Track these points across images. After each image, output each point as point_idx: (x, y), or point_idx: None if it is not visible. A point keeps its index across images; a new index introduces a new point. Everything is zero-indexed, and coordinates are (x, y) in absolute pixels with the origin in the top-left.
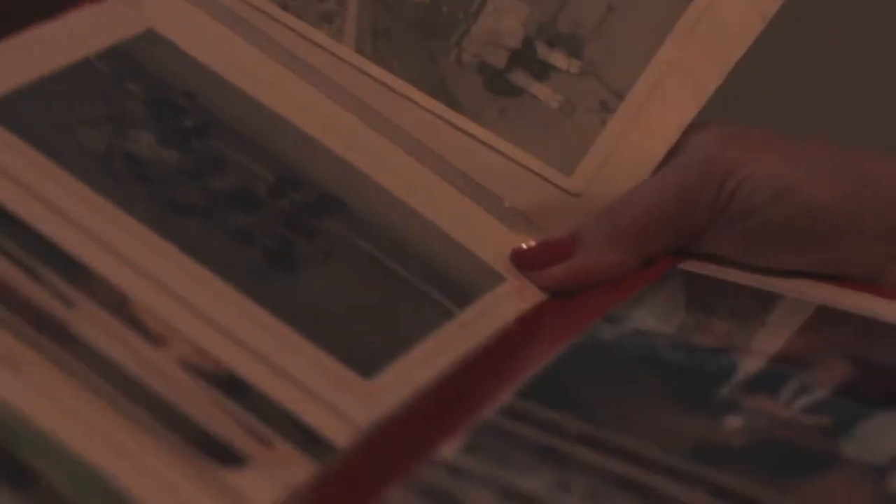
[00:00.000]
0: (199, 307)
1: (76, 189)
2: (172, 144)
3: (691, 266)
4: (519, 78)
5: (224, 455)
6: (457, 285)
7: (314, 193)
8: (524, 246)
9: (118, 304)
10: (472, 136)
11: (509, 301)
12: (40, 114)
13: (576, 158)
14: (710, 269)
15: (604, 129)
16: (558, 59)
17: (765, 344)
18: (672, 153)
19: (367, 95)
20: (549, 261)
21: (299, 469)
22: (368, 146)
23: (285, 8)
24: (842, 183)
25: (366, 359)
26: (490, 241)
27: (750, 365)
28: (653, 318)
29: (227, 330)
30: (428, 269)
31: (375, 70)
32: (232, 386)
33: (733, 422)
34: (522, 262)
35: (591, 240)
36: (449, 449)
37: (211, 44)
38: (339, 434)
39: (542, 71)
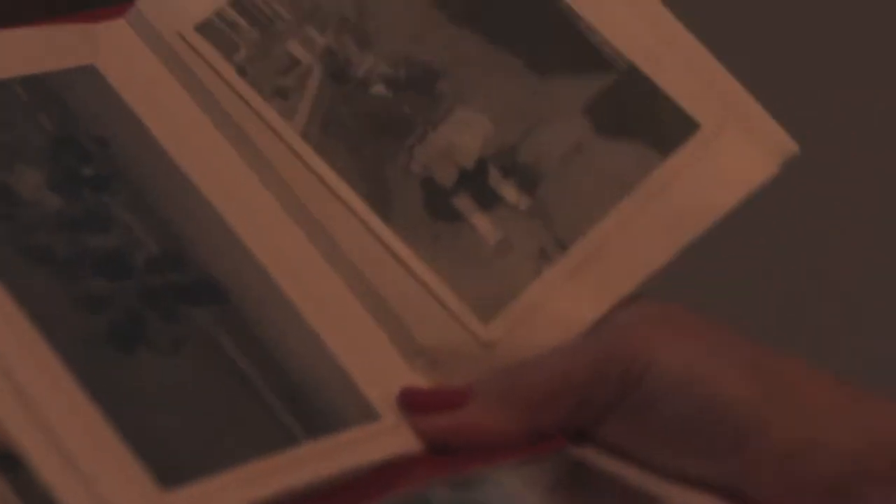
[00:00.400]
0: (8, 367)
1: None
2: (61, 190)
3: (585, 455)
4: (462, 203)
5: None
6: (317, 412)
7: (193, 277)
8: (416, 387)
9: None
10: (396, 256)
11: (377, 443)
12: None
13: (498, 305)
14: (604, 463)
15: (536, 280)
16: (509, 190)
17: None
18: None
19: (299, 184)
20: (438, 407)
21: None
22: (279, 238)
23: (242, 73)
24: (755, 383)
25: (171, 467)
26: (380, 372)
27: None
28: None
29: (29, 400)
30: (290, 387)
31: (315, 161)
32: (7, 464)
33: None
34: (409, 402)
35: (486, 396)
36: None
37: (150, 92)
38: None
39: (489, 200)
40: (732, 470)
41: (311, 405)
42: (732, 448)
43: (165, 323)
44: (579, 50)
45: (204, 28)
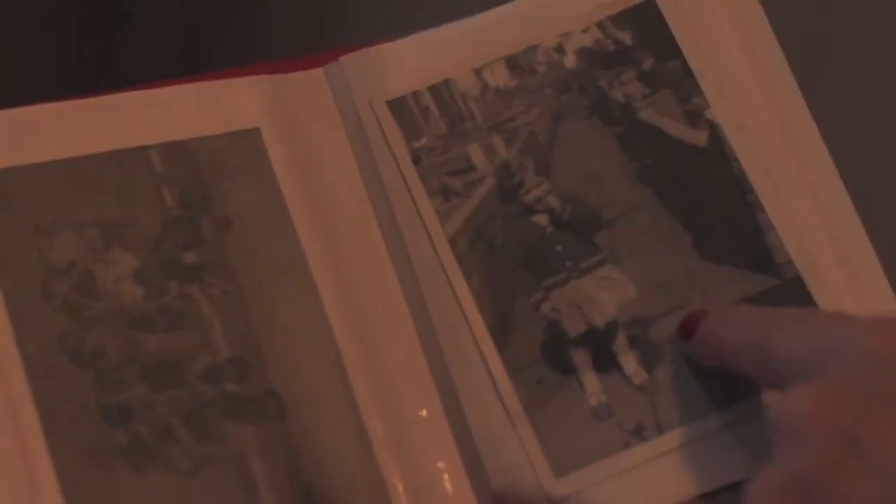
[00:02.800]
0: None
1: None
2: (147, 281)
3: None
4: (579, 357)
5: None
6: None
7: (254, 391)
8: None
9: None
10: (498, 391)
11: None
12: None
13: (576, 464)
14: None
15: (621, 453)
16: (629, 362)
17: None
18: None
19: (430, 290)
20: None
21: None
22: (389, 347)
23: (416, 160)
24: None
25: None
26: None
27: None
28: None
29: None
30: None
31: (454, 270)
32: None
33: None
34: None
35: None
36: None
37: (314, 155)
38: None
39: (606, 364)
40: None
41: None
42: None
43: (196, 443)
44: (752, 245)
45: (395, 104)
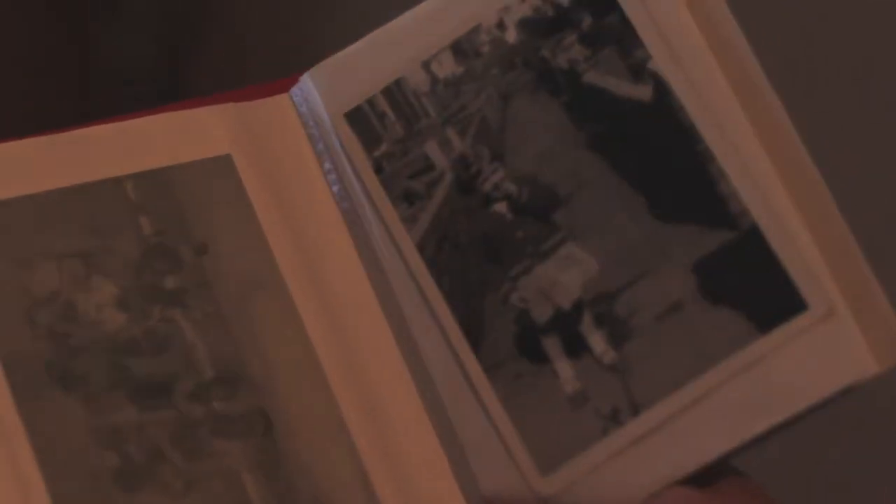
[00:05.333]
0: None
1: None
2: (128, 307)
3: None
4: (551, 344)
5: None
6: None
7: (241, 407)
8: None
9: None
10: (477, 393)
11: None
12: None
13: (560, 461)
14: None
15: (601, 440)
16: (597, 341)
17: None
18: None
19: (405, 299)
20: None
21: None
22: (371, 357)
23: (378, 169)
24: None
25: None
26: None
27: None
28: None
29: None
30: None
31: (425, 277)
32: None
33: None
34: None
35: None
36: None
37: (285, 181)
38: None
39: (576, 347)
40: None
41: None
42: None
43: (187, 461)
44: (706, 198)
45: (353, 115)
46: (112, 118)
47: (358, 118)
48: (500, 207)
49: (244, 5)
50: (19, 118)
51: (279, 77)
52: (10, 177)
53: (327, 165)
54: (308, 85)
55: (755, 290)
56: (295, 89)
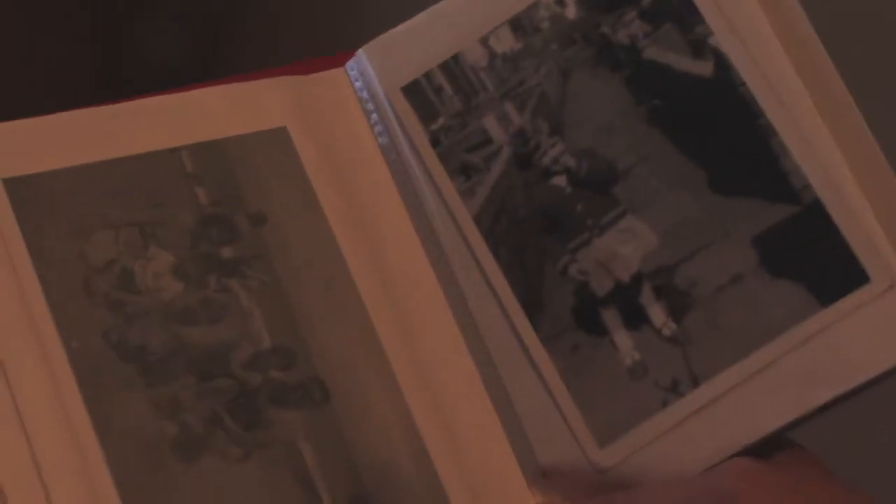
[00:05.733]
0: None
1: None
2: (185, 276)
3: None
4: (609, 316)
5: None
6: None
7: (299, 377)
8: None
9: None
10: (535, 365)
11: None
12: None
13: (618, 432)
14: None
15: (661, 411)
16: (657, 313)
17: None
18: None
19: (462, 271)
20: None
21: None
22: (426, 332)
23: (435, 143)
24: None
25: None
26: (489, 491)
27: None
28: None
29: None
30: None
31: (482, 249)
32: None
33: None
34: None
35: None
36: None
37: (342, 154)
38: None
39: (635, 319)
40: None
41: None
42: None
43: (245, 430)
44: (768, 173)
45: (410, 89)
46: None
47: (415, 92)
48: (560, 181)
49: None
50: (52, 109)
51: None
52: (67, 146)
53: (382, 140)
54: (363, 59)
55: (817, 263)
56: (350, 63)
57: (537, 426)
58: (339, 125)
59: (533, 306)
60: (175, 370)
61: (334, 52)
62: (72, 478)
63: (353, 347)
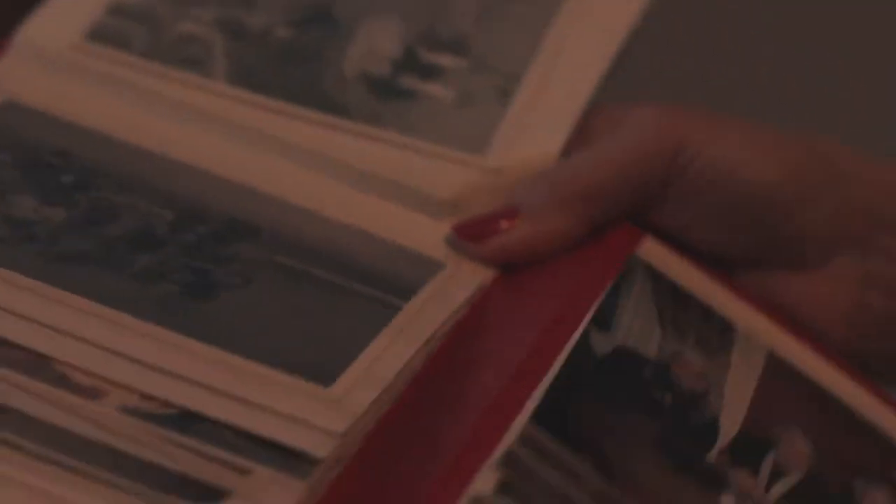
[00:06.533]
0: (119, 350)
1: None
2: (56, 202)
3: (651, 254)
4: (408, 82)
5: (200, 493)
6: (397, 281)
7: (222, 222)
8: (465, 220)
9: (36, 366)
10: (373, 139)
11: (455, 284)
12: None
13: (485, 139)
14: (671, 265)
15: (507, 110)
16: (444, 59)
17: (735, 393)
18: (587, 127)
19: (254, 123)
20: (492, 231)
21: (285, 490)
22: (268, 171)
23: (147, 56)
24: (792, 159)
25: (319, 367)
26: (420, 232)
27: (728, 425)
28: (633, 336)
29: (160, 368)
30: (363, 272)
31: (257, 98)
32: (186, 422)
33: (727, 502)
34: (464, 234)
35: (532, 206)
36: (485, 487)
37: (80, 104)
38: (316, 446)
39: (431, 72)
40: (783, 237)
41: (390, 278)
42: (782, 221)
43: (223, 266)
44: None
45: (93, 36)
46: None
47: (99, 36)
48: (281, 32)
49: None
50: None
51: None
52: None
53: None
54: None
55: None
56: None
57: (407, 174)
58: (57, 92)
59: (338, 110)
60: (127, 256)
61: None
62: None
63: (227, 195)
